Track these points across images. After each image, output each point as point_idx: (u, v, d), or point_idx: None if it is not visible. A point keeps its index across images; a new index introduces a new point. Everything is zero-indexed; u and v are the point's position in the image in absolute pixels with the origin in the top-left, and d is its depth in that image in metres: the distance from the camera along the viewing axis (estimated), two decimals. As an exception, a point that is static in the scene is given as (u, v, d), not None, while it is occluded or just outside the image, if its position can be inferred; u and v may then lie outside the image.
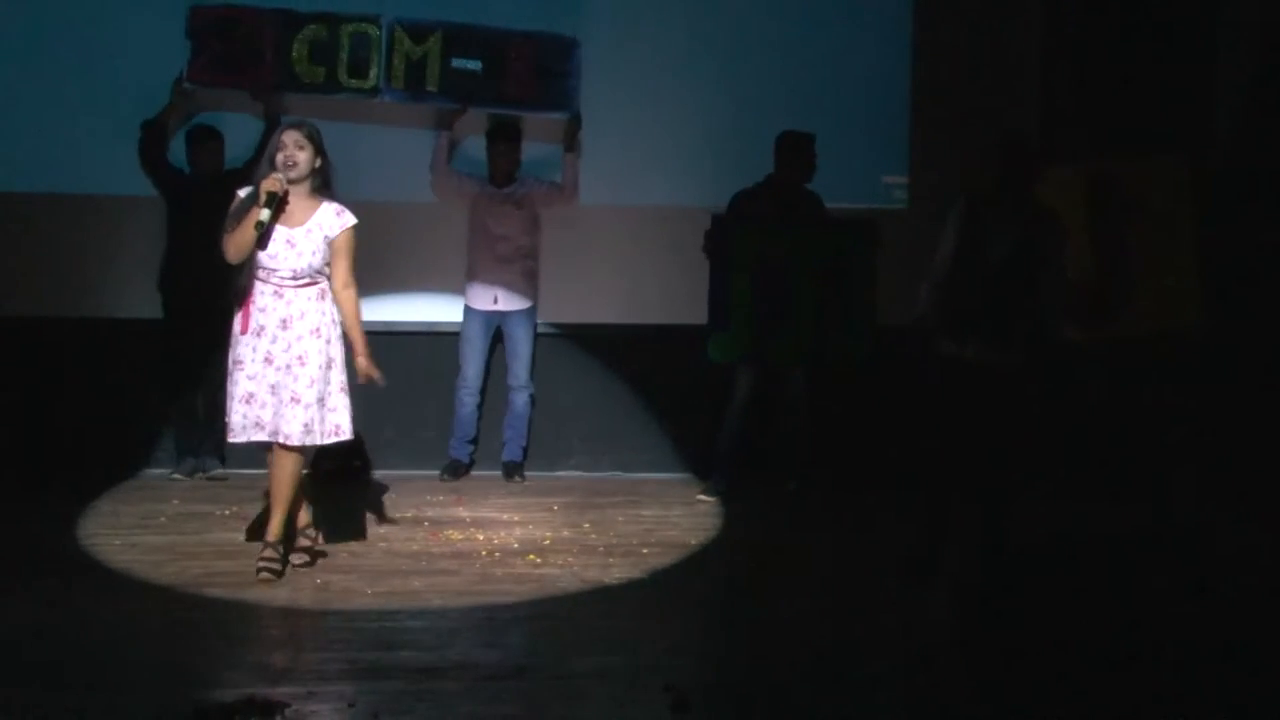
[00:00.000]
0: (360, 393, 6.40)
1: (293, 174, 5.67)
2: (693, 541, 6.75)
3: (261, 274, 5.69)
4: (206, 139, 7.52)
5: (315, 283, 5.76)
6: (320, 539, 6.14)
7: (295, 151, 5.66)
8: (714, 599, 6.13)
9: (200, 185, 7.37)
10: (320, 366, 5.75)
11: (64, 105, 7.67)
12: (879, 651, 5.22)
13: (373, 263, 7.64)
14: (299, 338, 5.71)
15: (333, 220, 5.76)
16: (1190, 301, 7.21)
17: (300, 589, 5.73)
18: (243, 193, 5.73)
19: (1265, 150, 7.80)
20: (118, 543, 6.41)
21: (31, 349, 7.74)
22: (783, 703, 4.65)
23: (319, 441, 5.80)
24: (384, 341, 7.87)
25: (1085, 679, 4.88)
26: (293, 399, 5.70)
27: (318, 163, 5.73)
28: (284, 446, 5.75)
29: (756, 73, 8.12)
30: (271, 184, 5.60)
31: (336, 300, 5.79)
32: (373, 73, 7.53)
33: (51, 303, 7.79)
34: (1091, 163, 7.37)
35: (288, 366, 5.70)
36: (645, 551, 6.53)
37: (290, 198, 5.69)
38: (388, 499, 7.33)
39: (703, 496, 7.49)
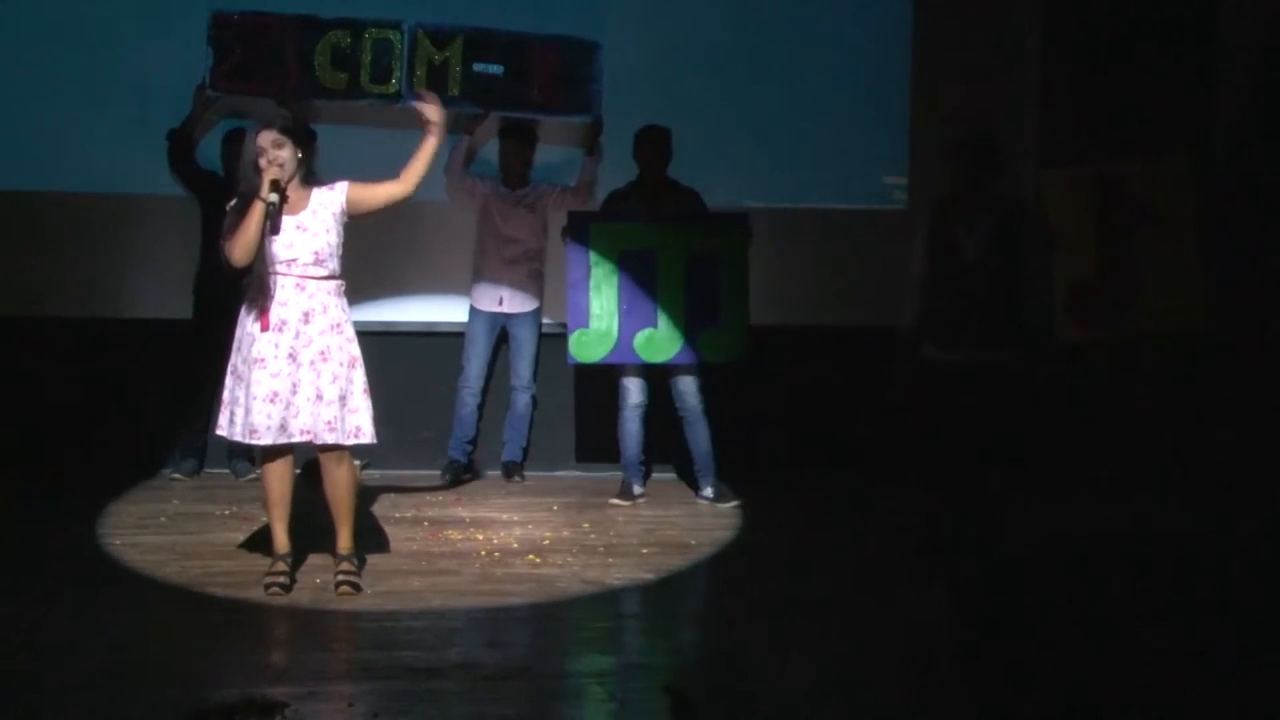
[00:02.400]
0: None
1: (283, 174, 5.55)
2: (693, 541, 6.75)
3: (281, 268, 5.56)
4: (241, 142, 7.49)
5: (334, 276, 5.68)
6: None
7: (276, 152, 5.53)
8: (714, 599, 6.13)
9: (234, 186, 7.37)
10: (342, 364, 5.64)
11: (80, 105, 7.69)
12: (879, 651, 5.22)
13: (378, 261, 7.70)
14: (321, 332, 5.60)
15: (331, 196, 5.65)
16: (1193, 304, 7.21)
17: (300, 589, 5.73)
18: (230, 208, 5.63)
19: (1265, 150, 7.81)
20: (118, 543, 6.41)
21: (30, 348, 7.75)
22: (783, 703, 4.65)
23: (342, 441, 5.64)
24: (385, 341, 7.95)
25: (1085, 679, 4.88)
26: (317, 395, 5.58)
27: (299, 155, 5.61)
28: (324, 450, 5.64)
29: (757, 73, 8.12)
30: (274, 172, 5.50)
31: (409, 182, 5.66)
32: (395, 78, 7.51)
33: (52, 303, 7.80)
34: (1098, 163, 7.37)
35: (310, 362, 5.57)
36: (645, 551, 6.53)
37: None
38: (388, 499, 7.34)
39: (616, 501, 7.43)
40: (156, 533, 6.62)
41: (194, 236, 7.58)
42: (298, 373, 5.57)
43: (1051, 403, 7.58)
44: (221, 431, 5.73)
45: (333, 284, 5.67)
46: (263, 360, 5.55)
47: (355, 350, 5.70)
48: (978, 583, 5.84)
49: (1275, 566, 6.31)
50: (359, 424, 5.66)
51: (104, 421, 7.72)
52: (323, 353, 5.60)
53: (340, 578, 5.68)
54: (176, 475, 7.66)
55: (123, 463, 7.59)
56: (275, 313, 5.56)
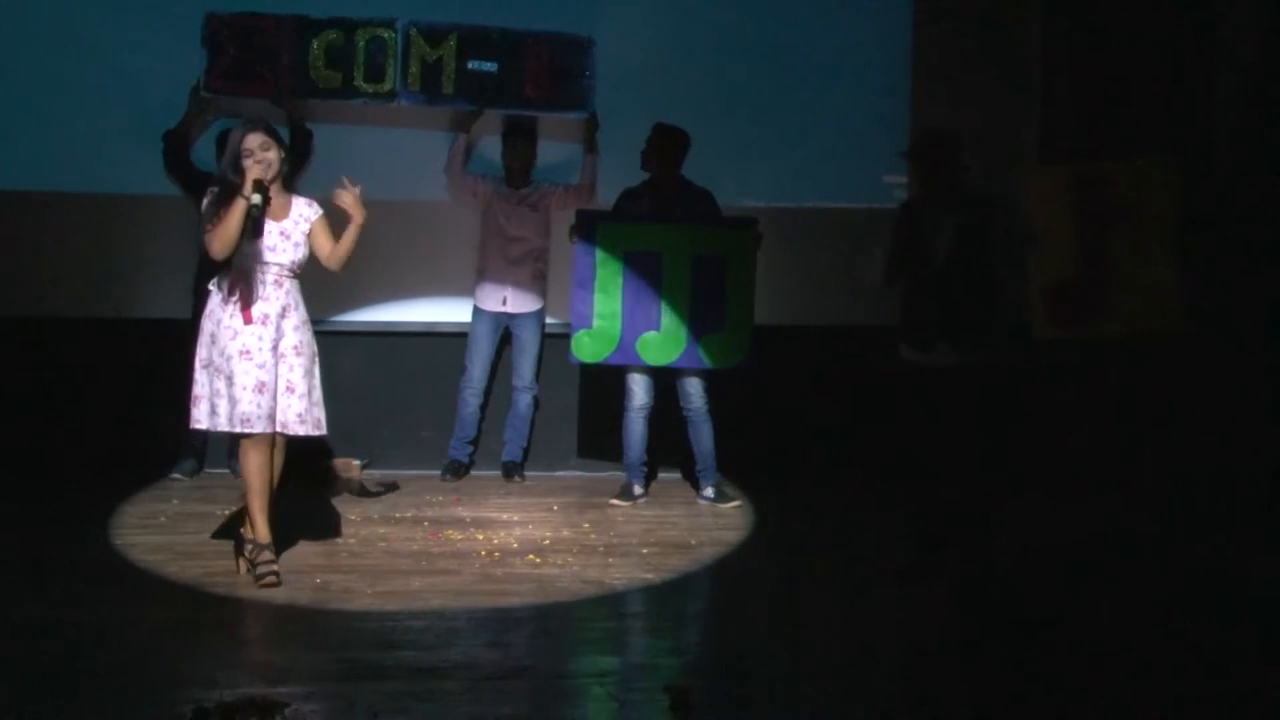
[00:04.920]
0: (362, 392, 6.44)
1: (269, 174, 5.76)
2: (693, 541, 6.75)
3: (262, 265, 5.79)
4: None
5: (298, 275, 5.92)
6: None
7: (264, 154, 5.75)
8: (714, 599, 6.13)
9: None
10: (311, 358, 5.91)
11: (77, 106, 7.68)
12: (879, 651, 5.22)
13: (380, 261, 7.72)
14: (295, 327, 5.85)
15: (308, 211, 5.93)
16: (1170, 304, 7.19)
17: (300, 589, 5.73)
18: (207, 197, 5.81)
19: (1265, 151, 7.80)
20: (118, 543, 6.42)
21: (29, 349, 7.74)
22: (782, 703, 4.65)
23: (309, 433, 5.88)
24: (387, 341, 7.96)
25: (1084, 679, 4.88)
26: (288, 388, 5.81)
27: (282, 157, 5.84)
28: (280, 437, 5.84)
29: (757, 72, 8.12)
30: (257, 172, 5.71)
31: (336, 260, 5.89)
32: (389, 76, 7.52)
33: (51, 302, 7.79)
34: (1079, 161, 7.36)
35: (283, 356, 5.82)
36: (645, 551, 6.53)
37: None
38: (388, 499, 7.34)
39: (615, 501, 7.42)
40: (156, 533, 6.62)
41: (192, 237, 7.58)
42: (276, 366, 5.79)
43: (1028, 401, 7.62)
44: (200, 425, 5.85)
45: (298, 283, 5.94)
46: (249, 352, 5.75)
47: (316, 346, 5.97)
48: (971, 583, 5.85)
49: (1261, 565, 6.31)
50: (319, 416, 5.93)
51: (103, 421, 7.71)
52: (296, 347, 5.85)
53: (269, 568, 5.75)
54: (177, 475, 7.66)
55: (122, 462, 7.59)
56: (259, 307, 5.78)
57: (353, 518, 6.91)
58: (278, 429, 5.79)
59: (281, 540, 5.95)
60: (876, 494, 7.51)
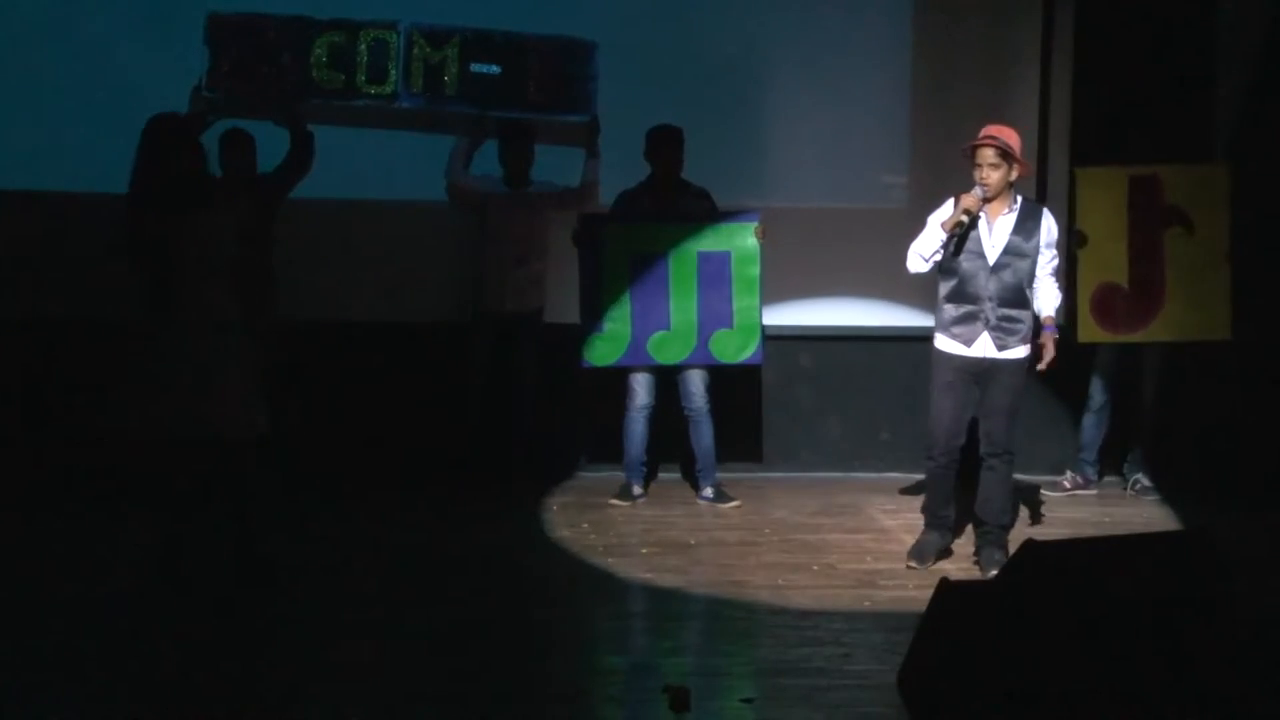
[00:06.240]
0: (360, 393, 6.40)
1: None
2: (693, 541, 6.76)
3: (189, 265, 5.72)
4: (239, 142, 7.52)
5: (230, 272, 5.83)
6: None
7: None
8: (714, 599, 6.14)
9: (232, 187, 7.38)
10: (251, 362, 5.78)
11: (79, 106, 7.69)
12: (879, 650, 5.23)
13: (378, 262, 7.73)
14: (221, 328, 5.71)
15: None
16: (1219, 310, 7.18)
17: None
18: None
19: (1265, 151, 7.81)
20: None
21: (30, 349, 7.75)
22: (782, 702, 4.66)
23: (238, 435, 5.73)
24: (386, 342, 7.95)
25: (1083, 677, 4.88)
26: (213, 391, 5.66)
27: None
28: (228, 439, 5.75)
29: (757, 73, 8.12)
30: None
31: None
32: (391, 78, 7.51)
33: (54, 303, 7.80)
34: (1134, 164, 7.35)
35: (214, 356, 5.68)
36: (645, 551, 6.54)
37: None
38: (387, 498, 7.35)
39: (615, 501, 7.44)
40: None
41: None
42: (214, 368, 5.67)
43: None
44: (141, 431, 5.77)
45: (227, 280, 5.81)
46: (170, 358, 5.65)
47: (247, 346, 5.80)
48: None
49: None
50: (255, 418, 5.76)
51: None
52: (220, 349, 5.69)
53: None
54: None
55: (125, 464, 7.59)
56: (187, 309, 5.67)
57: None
58: (219, 431, 5.68)
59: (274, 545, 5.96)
60: (877, 493, 7.56)
